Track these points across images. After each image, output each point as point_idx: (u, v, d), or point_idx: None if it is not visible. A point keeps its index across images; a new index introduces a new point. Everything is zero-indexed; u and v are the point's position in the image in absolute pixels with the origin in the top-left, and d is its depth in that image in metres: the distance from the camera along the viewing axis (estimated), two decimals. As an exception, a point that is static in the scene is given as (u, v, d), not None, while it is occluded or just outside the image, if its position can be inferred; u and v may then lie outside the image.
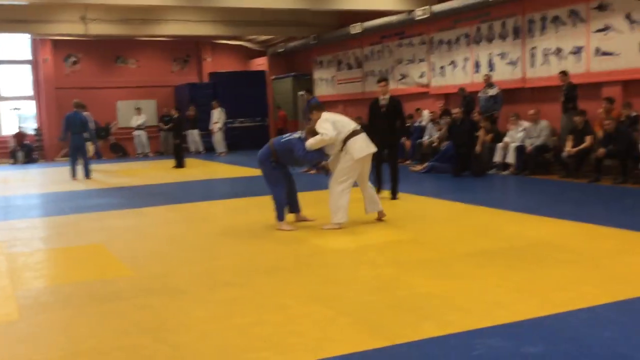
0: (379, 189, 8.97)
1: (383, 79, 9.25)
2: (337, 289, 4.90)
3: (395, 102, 9.18)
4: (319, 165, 7.44)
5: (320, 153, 7.20)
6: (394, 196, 9.11)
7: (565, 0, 12.22)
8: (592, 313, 4.09)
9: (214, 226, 7.85)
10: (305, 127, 7.41)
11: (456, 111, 12.23)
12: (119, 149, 22.19)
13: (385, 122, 8.95)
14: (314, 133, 7.14)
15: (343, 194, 7.13)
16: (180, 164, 16.22)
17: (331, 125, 7.05)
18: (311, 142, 7.04)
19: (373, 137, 7.45)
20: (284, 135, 7.57)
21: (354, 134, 7.14)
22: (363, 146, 7.13)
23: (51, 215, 9.29)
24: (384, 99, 9.08)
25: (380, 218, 7.54)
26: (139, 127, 21.70)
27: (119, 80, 22.67)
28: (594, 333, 3.76)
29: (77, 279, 5.54)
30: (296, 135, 7.34)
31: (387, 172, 9.22)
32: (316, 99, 14.16)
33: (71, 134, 13.96)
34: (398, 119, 9.20)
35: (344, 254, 6.13)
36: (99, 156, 20.69)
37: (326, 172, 7.39)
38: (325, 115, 7.22)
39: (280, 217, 7.35)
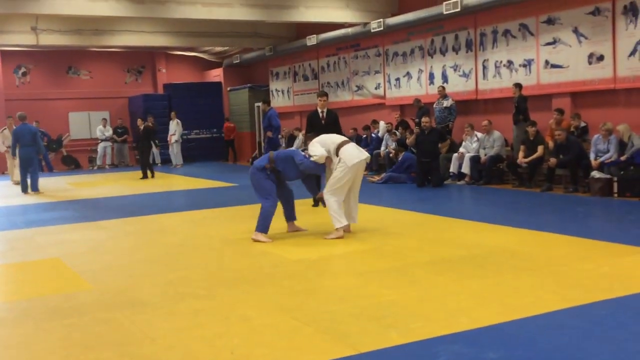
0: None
1: (324, 94, 9.76)
2: (301, 299, 4.93)
3: (334, 114, 9.70)
4: (318, 197, 7.65)
5: (319, 165, 7.32)
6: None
7: (515, 14, 12.57)
8: (549, 318, 4.22)
9: (174, 238, 7.79)
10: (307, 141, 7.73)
11: (425, 120, 12.31)
12: (71, 161, 21.77)
13: (325, 133, 9.21)
14: None
15: (337, 203, 7.22)
16: (146, 175, 16.39)
17: (319, 146, 7.30)
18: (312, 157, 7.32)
19: None
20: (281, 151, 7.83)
21: (344, 143, 7.33)
22: (355, 153, 7.27)
23: (4, 230, 9.04)
24: (322, 112, 9.46)
25: (346, 230, 7.51)
26: (105, 139, 21.35)
27: (71, 92, 22.26)
28: (552, 338, 3.88)
29: (35, 294, 5.43)
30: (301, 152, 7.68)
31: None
32: (274, 110, 14.20)
33: (20, 147, 13.63)
34: (336, 129, 9.48)
35: (307, 264, 6.16)
36: (50, 169, 20.27)
37: (322, 202, 7.58)
38: (316, 139, 7.53)
39: (261, 228, 7.24)
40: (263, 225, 7.23)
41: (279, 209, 7.56)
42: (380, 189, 12.22)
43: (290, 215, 7.75)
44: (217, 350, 3.88)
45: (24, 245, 7.82)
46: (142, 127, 16.82)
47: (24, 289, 5.72)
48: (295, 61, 19.98)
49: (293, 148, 7.86)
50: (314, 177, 7.71)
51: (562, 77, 11.77)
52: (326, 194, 7.27)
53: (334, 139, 7.48)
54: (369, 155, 7.52)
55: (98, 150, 21.46)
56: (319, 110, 9.52)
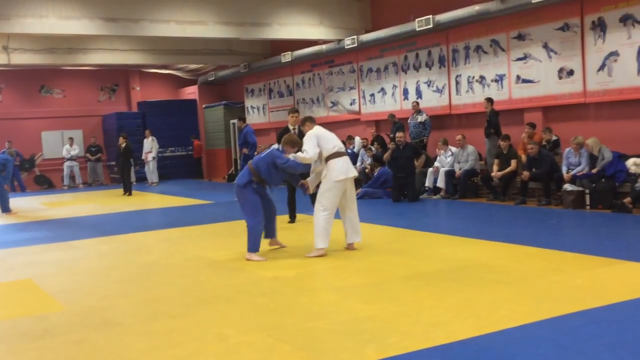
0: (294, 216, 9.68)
1: (296, 110, 9.75)
2: (277, 316, 4.91)
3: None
4: (299, 184, 7.48)
5: (303, 164, 7.13)
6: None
7: (487, 30, 12.75)
8: (524, 331, 4.24)
9: (148, 257, 7.71)
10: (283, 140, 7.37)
11: (400, 135, 12.39)
12: (44, 181, 21.49)
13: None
14: (291, 143, 7.19)
15: (326, 220, 7.06)
16: (128, 190, 16.81)
17: (314, 143, 7.02)
18: (293, 156, 7.06)
19: None
20: (260, 154, 7.54)
21: (335, 155, 7.09)
22: (343, 169, 7.05)
23: (-26, 251, 8.90)
24: (294, 129, 9.33)
25: (350, 248, 7.39)
26: (71, 158, 21.09)
27: (44, 111, 22.05)
28: (527, 350, 3.90)
29: (6, 316, 5.33)
30: (274, 146, 7.36)
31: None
32: (249, 127, 14.23)
33: None
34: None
35: (283, 281, 6.13)
36: (22, 189, 19.99)
37: (304, 190, 7.46)
38: (314, 131, 7.22)
39: (254, 248, 7.09)
40: (254, 245, 7.10)
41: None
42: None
43: (270, 232, 7.62)
44: (193, 370, 3.84)
45: (-5, 266, 7.69)
46: (123, 145, 16.84)
47: (-5, 312, 5.61)
48: (270, 78, 20.02)
49: (269, 150, 7.56)
50: (298, 176, 7.53)
51: (534, 91, 11.95)
52: (317, 208, 7.14)
53: (332, 144, 7.13)
54: (356, 173, 7.27)
55: (64, 169, 21.16)
56: (291, 127, 9.43)
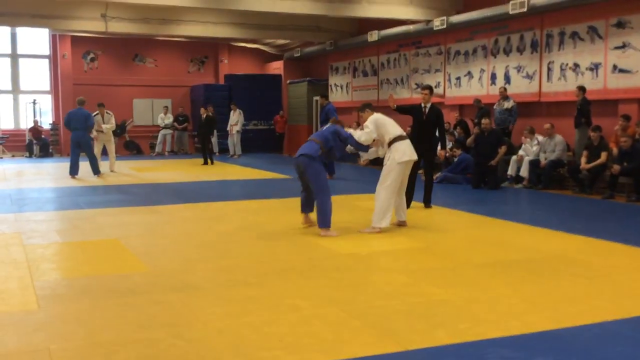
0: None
1: (427, 87, 9.34)
2: (350, 292, 4.95)
3: (437, 111, 9.21)
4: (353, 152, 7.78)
5: (359, 143, 7.50)
6: (427, 204, 9.32)
7: (584, 16, 12.23)
8: (603, 328, 4.12)
9: (229, 226, 7.92)
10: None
11: (485, 122, 12.15)
12: (133, 146, 22.34)
13: (425, 130, 8.96)
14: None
15: (388, 200, 7.36)
16: (206, 161, 17.42)
17: (373, 127, 7.42)
18: (357, 135, 7.48)
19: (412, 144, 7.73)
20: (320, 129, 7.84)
21: (399, 138, 7.45)
22: (406, 151, 7.42)
23: (66, 209, 9.38)
24: (425, 107, 9.10)
25: (400, 225, 7.74)
26: (166, 127, 21.86)
27: (136, 79, 22.84)
28: (606, 347, 3.79)
29: (93, 273, 5.62)
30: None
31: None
32: (331, 105, 14.25)
33: (72, 130, 13.96)
34: (438, 128, 9.28)
35: (357, 259, 6.17)
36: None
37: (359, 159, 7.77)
38: (375, 116, 7.58)
39: (328, 223, 7.17)
40: (326, 221, 7.17)
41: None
42: (435, 188, 11.94)
43: (310, 206, 7.61)
44: (266, 338, 3.94)
45: (85, 224, 8.09)
46: (204, 116, 17.32)
47: (83, 267, 5.91)
48: (356, 57, 19.94)
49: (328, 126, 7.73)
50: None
51: (630, 82, 11.40)
52: (379, 188, 7.38)
53: (393, 129, 7.52)
54: (416, 157, 7.62)
55: (158, 137, 21.95)
56: (423, 105, 9.11)
